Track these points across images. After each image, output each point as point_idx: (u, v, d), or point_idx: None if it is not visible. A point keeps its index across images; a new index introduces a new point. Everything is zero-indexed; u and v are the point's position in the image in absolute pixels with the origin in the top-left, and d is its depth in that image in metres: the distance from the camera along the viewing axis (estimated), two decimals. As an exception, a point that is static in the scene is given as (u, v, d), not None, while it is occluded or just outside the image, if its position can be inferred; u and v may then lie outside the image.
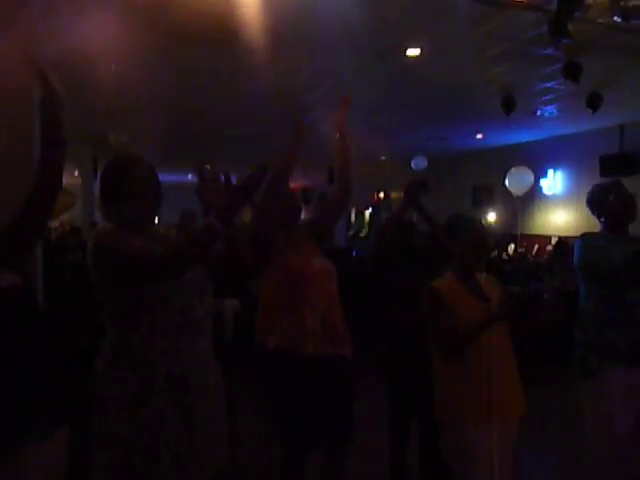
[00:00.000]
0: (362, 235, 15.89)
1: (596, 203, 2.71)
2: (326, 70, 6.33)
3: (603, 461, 2.43)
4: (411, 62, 6.28)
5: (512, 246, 11.06)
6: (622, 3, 4.89)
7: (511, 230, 12.71)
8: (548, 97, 7.99)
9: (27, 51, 1.79)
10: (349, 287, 6.18)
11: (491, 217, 12.70)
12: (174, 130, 9.81)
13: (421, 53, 5.98)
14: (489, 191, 12.81)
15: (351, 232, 16.18)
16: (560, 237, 9.88)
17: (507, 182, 10.84)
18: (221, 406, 1.85)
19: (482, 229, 2.35)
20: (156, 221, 2.09)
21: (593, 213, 2.74)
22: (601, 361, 2.47)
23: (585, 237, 2.70)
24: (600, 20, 5.00)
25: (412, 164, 12.47)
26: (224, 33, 4.78)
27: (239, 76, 6.23)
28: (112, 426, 1.67)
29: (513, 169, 10.80)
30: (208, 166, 2.12)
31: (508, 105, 7.19)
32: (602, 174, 9.66)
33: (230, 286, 5.92)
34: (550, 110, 9.01)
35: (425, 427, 2.96)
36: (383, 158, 14.82)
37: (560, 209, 12.26)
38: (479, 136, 11.54)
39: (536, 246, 11.34)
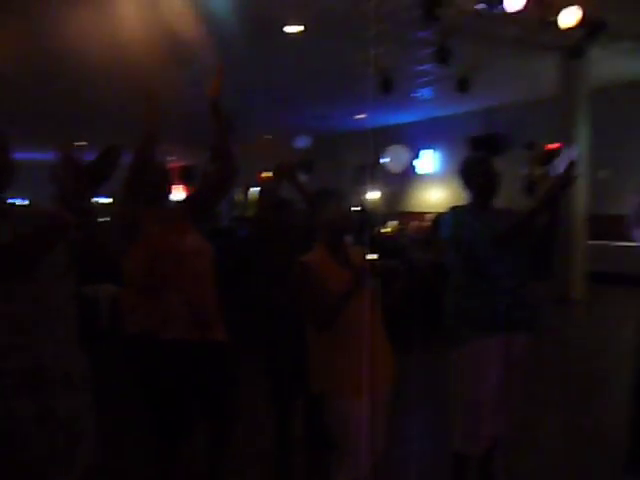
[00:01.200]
0: (248, 215, 15.75)
1: (465, 175, 2.74)
2: (205, 45, 6.11)
3: (468, 425, 2.52)
4: (292, 39, 6.25)
5: (393, 222, 11.56)
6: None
7: (392, 208, 13.31)
8: (423, 80, 8.34)
9: None
10: (234, 268, 6.09)
11: (373, 195, 13.17)
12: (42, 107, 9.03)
13: (305, 30, 5.98)
14: (371, 170, 13.26)
15: (236, 212, 15.98)
16: (438, 213, 10.51)
17: (385, 160, 11.38)
18: (87, 397, 1.72)
19: (343, 202, 2.36)
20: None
21: (462, 185, 2.77)
22: (470, 330, 2.54)
23: (452, 212, 2.75)
24: (467, 7, 5.29)
25: (295, 143, 12.58)
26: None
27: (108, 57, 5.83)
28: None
29: (390, 148, 11.34)
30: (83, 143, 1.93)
31: (386, 86, 7.42)
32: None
33: (107, 270, 5.59)
34: (425, 92, 9.44)
35: (308, 401, 3.01)
36: (269, 137, 14.74)
37: (436, 187, 13.06)
38: (361, 116, 11.84)
39: (414, 222, 11.96)
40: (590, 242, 8.10)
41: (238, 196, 18.37)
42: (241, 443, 2.84)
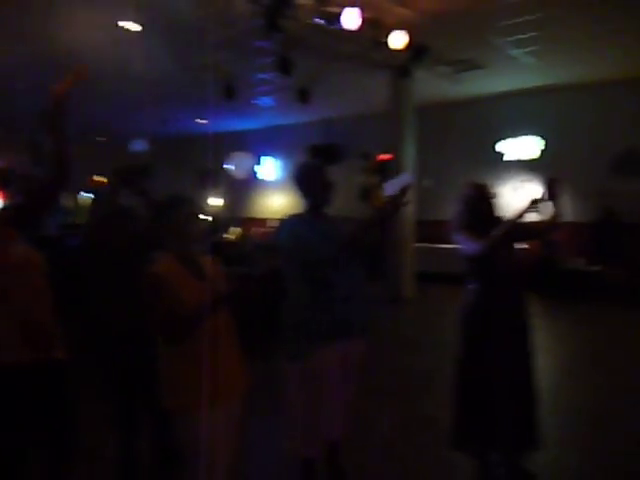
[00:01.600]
0: (78, 222, 14.55)
1: (300, 182, 2.71)
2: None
3: (310, 430, 2.56)
4: (128, 38, 5.93)
5: (236, 229, 11.53)
6: (324, 8, 5.46)
7: (234, 214, 13.29)
8: (264, 88, 8.46)
9: None
10: (65, 280, 5.58)
11: (216, 201, 13.03)
12: None
13: (143, 30, 5.72)
14: (213, 176, 13.12)
15: (65, 218, 14.66)
16: (280, 219, 10.70)
17: (228, 166, 11.46)
18: None
19: (191, 209, 2.24)
20: None
21: (298, 192, 2.74)
22: (310, 342, 2.52)
23: (287, 221, 2.72)
24: (308, 21, 5.48)
25: (130, 147, 12.02)
26: None
27: None
28: None
29: (234, 154, 11.44)
30: None
31: (228, 92, 7.39)
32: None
33: None
34: (266, 101, 9.59)
35: (154, 419, 2.86)
36: (102, 139, 13.82)
37: (278, 194, 13.33)
38: (202, 121, 11.66)
39: (257, 228, 12.08)
40: (417, 245, 8.88)
41: (67, 202, 16.90)
42: (81, 473, 2.60)
